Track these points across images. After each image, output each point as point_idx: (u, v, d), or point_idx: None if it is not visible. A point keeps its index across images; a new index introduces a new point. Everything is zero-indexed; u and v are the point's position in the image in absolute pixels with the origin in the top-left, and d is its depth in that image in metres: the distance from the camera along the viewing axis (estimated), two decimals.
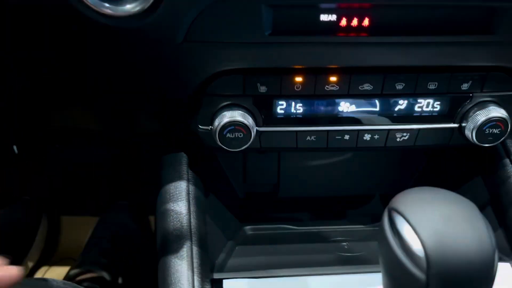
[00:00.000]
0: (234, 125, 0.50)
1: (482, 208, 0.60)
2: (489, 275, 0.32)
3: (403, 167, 0.69)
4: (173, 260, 0.47)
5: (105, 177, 1.03)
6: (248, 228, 0.66)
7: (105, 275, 0.89)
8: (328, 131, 0.53)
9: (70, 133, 0.91)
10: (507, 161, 0.57)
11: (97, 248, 0.95)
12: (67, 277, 0.89)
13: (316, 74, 0.49)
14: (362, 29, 0.46)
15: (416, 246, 0.31)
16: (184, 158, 0.56)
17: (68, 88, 0.63)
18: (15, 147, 0.96)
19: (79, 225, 1.06)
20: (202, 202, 0.55)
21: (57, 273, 1.03)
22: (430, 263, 0.31)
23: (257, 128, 0.52)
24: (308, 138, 0.54)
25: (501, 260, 0.54)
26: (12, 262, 0.36)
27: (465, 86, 0.51)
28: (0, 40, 0.52)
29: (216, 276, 0.51)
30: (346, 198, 0.71)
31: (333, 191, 0.71)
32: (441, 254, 0.31)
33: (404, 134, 0.54)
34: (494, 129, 0.52)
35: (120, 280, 0.90)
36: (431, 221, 0.32)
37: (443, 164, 0.67)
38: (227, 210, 0.65)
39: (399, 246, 0.32)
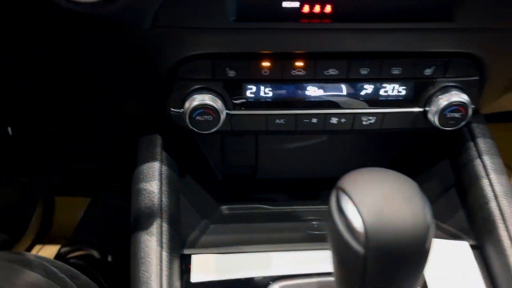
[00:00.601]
0: (203, 108, 0.52)
1: (447, 190, 0.62)
2: (423, 249, 0.34)
3: (377, 151, 0.71)
4: (143, 236, 0.50)
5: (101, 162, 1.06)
6: (224, 207, 0.68)
7: (95, 253, 0.92)
8: (296, 114, 0.55)
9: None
10: (471, 144, 0.59)
11: (89, 228, 0.99)
12: (58, 255, 0.92)
13: (282, 59, 0.51)
14: (324, 15, 0.47)
15: (357, 222, 0.33)
16: (159, 140, 0.58)
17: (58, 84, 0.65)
18: (9, 129, 0.99)
19: (73, 205, 1.09)
20: (176, 182, 0.57)
21: (50, 252, 1.07)
22: (369, 238, 0.33)
23: (227, 111, 0.54)
24: (277, 121, 0.56)
25: (460, 238, 0.57)
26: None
27: (428, 72, 0.53)
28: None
29: (186, 252, 0.53)
30: (322, 180, 0.73)
31: (309, 173, 0.73)
32: (378, 230, 0.33)
33: (370, 117, 0.56)
34: (455, 113, 0.54)
35: (109, 258, 0.94)
36: (372, 200, 0.34)
37: (414, 147, 0.69)
38: (204, 190, 0.67)
39: (342, 222, 0.34)
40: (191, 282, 0.50)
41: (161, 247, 0.49)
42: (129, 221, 0.53)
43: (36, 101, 0.85)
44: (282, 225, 0.64)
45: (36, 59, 0.63)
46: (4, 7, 0.53)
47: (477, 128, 0.60)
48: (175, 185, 0.57)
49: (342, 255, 0.36)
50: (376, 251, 0.33)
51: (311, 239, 0.61)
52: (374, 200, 0.34)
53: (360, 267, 0.34)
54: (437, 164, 0.65)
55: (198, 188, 0.66)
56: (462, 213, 0.59)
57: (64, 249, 0.92)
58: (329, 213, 0.36)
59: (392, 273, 0.34)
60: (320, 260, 0.52)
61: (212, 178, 0.72)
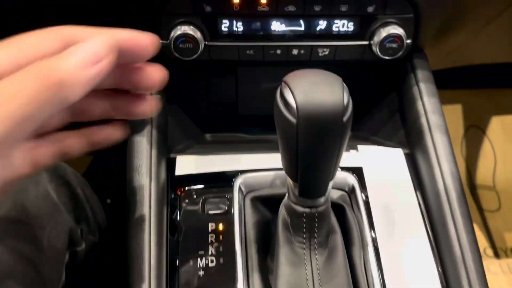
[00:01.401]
0: (185, 37, 0.63)
1: (393, 115, 0.74)
2: (342, 123, 0.43)
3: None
4: (135, 138, 0.62)
5: None
6: (207, 135, 0.80)
7: None
8: (263, 46, 0.67)
9: None
10: (412, 75, 0.71)
11: None
12: None
13: None
14: None
15: (291, 100, 0.43)
16: None
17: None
18: None
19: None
20: (165, 104, 0.69)
21: None
22: (299, 110, 0.42)
23: (205, 42, 0.66)
24: (248, 51, 0.67)
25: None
26: None
27: (370, 9, 0.64)
28: None
29: (172, 155, 0.66)
30: None
31: None
32: (306, 104, 0.42)
33: (325, 49, 0.68)
34: (393, 44, 0.65)
35: None
36: (303, 85, 0.44)
37: (370, 85, 0.81)
38: (190, 120, 0.79)
39: (282, 102, 0.44)
40: (175, 175, 0.63)
41: (151, 146, 0.61)
42: None
43: None
44: (257, 145, 0.76)
45: None
46: None
47: (418, 62, 0.72)
48: (163, 107, 0.68)
49: (283, 128, 0.46)
50: (305, 121, 0.42)
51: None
52: (305, 86, 0.45)
53: (294, 136, 0.44)
54: (388, 96, 0.77)
55: (183, 116, 0.78)
56: (402, 132, 0.71)
57: None
58: (274, 99, 0.47)
59: (318, 141, 0.44)
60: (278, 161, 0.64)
61: (197, 112, 0.84)
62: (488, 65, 1.44)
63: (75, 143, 0.43)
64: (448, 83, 1.47)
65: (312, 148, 0.45)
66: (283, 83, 0.46)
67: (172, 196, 0.61)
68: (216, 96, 0.84)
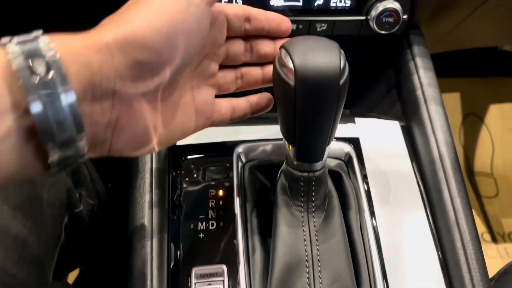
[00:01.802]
0: None
1: (390, 90, 0.76)
2: (338, 86, 0.44)
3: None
4: None
5: None
6: None
7: None
8: None
9: None
10: (408, 50, 0.72)
11: None
12: None
13: None
14: None
15: (289, 64, 0.44)
16: None
17: None
18: None
19: None
20: None
21: None
22: (296, 73, 0.43)
23: None
24: None
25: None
26: None
27: None
28: None
29: None
30: None
31: None
32: (303, 67, 0.44)
33: (323, 24, 0.69)
34: (389, 18, 0.67)
35: None
36: (301, 49, 0.46)
37: (368, 61, 0.82)
38: None
39: (281, 66, 0.46)
40: (175, 145, 0.64)
41: None
42: None
43: None
44: (257, 118, 0.76)
45: None
46: None
47: (414, 39, 0.73)
48: None
49: (281, 91, 0.48)
50: (302, 83, 0.44)
51: None
52: (303, 50, 0.46)
53: (292, 98, 0.46)
54: (385, 73, 0.79)
55: None
56: (398, 107, 0.73)
57: None
58: (273, 63, 0.49)
59: (315, 104, 0.45)
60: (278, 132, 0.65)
61: None
62: (487, 53, 1.46)
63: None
64: (446, 71, 1.49)
65: (309, 111, 0.46)
66: (281, 48, 0.48)
67: (173, 165, 0.62)
68: None
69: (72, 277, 1.08)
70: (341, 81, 0.45)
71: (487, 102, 1.54)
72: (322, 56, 0.45)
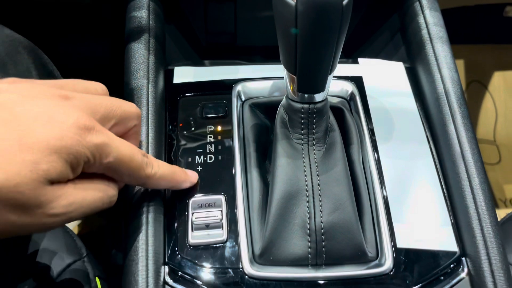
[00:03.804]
0: None
1: (394, 35, 0.73)
2: (342, 7, 0.41)
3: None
4: (132, 45, 0.61)
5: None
6: (206, 61, 0.79)
7: None
8: None
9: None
10: (420, 11, 0.69)
11: None
12: None
13: None
14: None
15: None
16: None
17: None
18: None
19: None
20: (163, 23, 0.68)
21: None
22: None
23: None
24: None
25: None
26: None
27: None
28: None
29: (170, 67, 0.65)
30: None
31: None
32: None
33: None
34: None
35: None
36: None
37: (370, 3, 0.79)
38: (189, 45, 0.78)
39: None
40: (173, 83, 0.62)
41: (148, 52, 0.61)
42: None
43: None
44: (256, 57, 0.74)
45: None
46: None
47: None
48: (161, 24, 0.67)
49: (281, 13, 0.45)
50: (303, 2, 0.42)
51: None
52: None
53: (293, 20, 0.43)
54: (389, 18, 0.76)
55: (182, 40, 0.77)
56: (403, 50, 0.71)
57: None
58: None
59: (316, 26, 0.42)
60: (277, 69, 0.63)
61: (195, 41, 0.83)
62: (492, 20, 1.43)
63: None
64: (450, 38, 1.46)
65: (311, 34, 0.44)
66: None
67: (170, 102, 0.61)
68: (215, 24, 0.83)
69: None
70: (345, 1, 0.43)
71: (491, 69, 1.51)
72: None
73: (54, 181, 0.37)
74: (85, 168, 0.39)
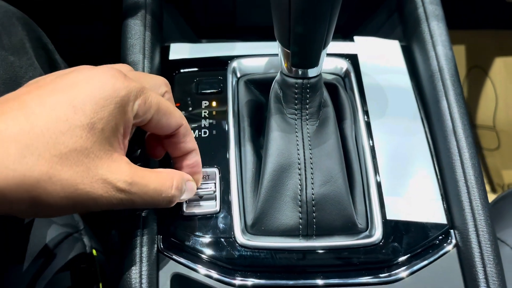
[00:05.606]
0: None
1: (391, 15, 0.73)
2: None
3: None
4: (129, 21, 0.62)
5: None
6: (204, 40, 0.80)
7: None
8: None
9: None
10: None
11: None
12: None
13: None
14: None
15: None
16: None
17: None
18: None
19: None
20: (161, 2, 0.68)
21: None
22: None
23: None
24: None
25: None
26: None
27: None
28: None
29: (166, 44, 0.65)
30: None
31: None
32: None
33: None
34: None
35: None
36: None
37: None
38: (188, 27, 0.78)
39: None
40: (169, 59, 0.63)
41: (145, 29, 0.61)
42: None
43: None
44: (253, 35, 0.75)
45: None
46: None
47: None
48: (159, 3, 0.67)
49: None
50: None
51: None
52: None
53: None
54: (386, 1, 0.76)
55: (180, 19, 0.77)
56: (399, 30, 0.71)
57: None
58: None
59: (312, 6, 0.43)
60: (273, 47, 0.63)
61: (194, 21, 0.83)
62: (493, 5, 1.42)
63: None
64: (451, 23, 1.45)
65: (304, 5, 0.44)
66: None
67: (166, 78, 0.61)
68: (214, 4, 0.83)
69: None
70: None
71: (492, 55, 1.51)
72: None
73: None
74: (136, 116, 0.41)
